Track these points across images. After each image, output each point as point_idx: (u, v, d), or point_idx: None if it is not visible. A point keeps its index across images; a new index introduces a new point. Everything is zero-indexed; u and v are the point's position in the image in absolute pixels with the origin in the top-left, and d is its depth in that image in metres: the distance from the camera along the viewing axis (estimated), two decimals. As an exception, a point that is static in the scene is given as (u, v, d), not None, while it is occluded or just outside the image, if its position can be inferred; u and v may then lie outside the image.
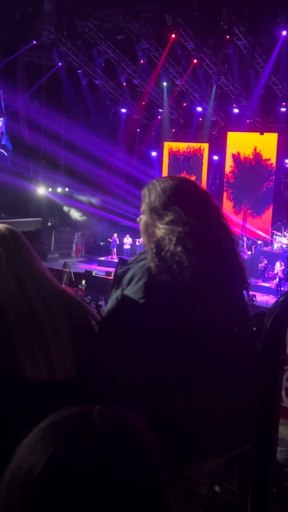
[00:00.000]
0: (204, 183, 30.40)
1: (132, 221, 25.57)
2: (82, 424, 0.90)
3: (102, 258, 28.77)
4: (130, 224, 26.67)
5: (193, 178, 30.11)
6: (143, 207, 2.19)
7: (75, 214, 31.37)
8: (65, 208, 31.23)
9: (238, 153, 29.43)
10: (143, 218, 2.20)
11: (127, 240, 28.50)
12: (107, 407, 0.95)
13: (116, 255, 27.94)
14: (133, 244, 27.96)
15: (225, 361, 2.01)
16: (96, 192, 30.27)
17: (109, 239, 29.38)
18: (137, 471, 0.88)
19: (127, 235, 28.39)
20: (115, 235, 29.04)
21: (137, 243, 26.62)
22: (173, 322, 1.96)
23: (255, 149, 28.86)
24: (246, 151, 29.21)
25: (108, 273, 23.77)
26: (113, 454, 0.87)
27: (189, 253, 1.98)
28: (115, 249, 28.76)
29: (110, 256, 28.34)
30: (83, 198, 30.69)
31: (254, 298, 22.11)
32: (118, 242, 28.92)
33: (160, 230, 2.08)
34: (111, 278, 2.31)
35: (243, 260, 2.16)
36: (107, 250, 29.09)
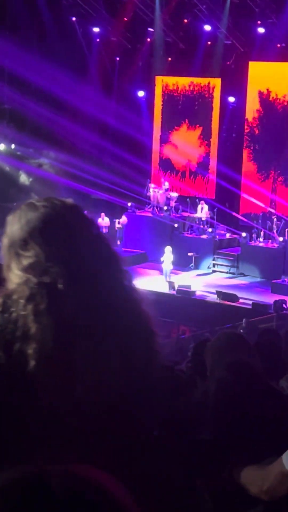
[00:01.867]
0: (214, 137, 26.90)
1: (110, 192, 23.85)
2: (36, 489, 0.87)
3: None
4: (106, 197, 24.27)
5: (198, 130, 27.89)
6: (4, 239, 1.80)
7: (24, 178, 27.13)
8: (7, 168, 26.66)
9: (269, 91, 25.21)
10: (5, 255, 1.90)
11: (103, 221, 23.65)
12: (69, 467, 0.92)
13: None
14: (111, 227, 24.20)
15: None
16: (56, 150, 25.84)
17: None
18: None
19: (102, 214, 24.27)
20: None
21: (117, 225, 24.30)
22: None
23: (291, 87, 25.53)
24: (279, 90, 25.18)
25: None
26: None
27: (38, 316, 1.63)
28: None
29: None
30: (35, 160, 26.61)
31: (284, 306, 20.05)
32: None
33: (16, 277, 1.73)
34: None
35: (149, 319, 1.66)
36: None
